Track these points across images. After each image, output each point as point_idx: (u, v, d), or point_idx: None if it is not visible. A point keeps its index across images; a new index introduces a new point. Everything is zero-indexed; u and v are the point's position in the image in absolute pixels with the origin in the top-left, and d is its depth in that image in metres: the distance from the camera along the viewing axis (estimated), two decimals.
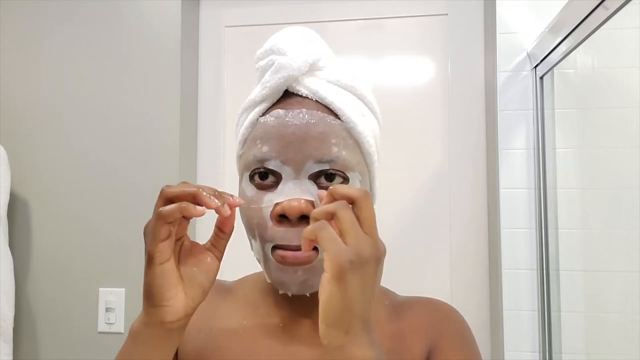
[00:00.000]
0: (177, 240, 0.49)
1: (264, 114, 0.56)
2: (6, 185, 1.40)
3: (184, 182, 0.47)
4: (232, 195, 0.49)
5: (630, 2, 0.84)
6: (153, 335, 0.47)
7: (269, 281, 0.56)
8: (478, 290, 1.43)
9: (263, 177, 0.54)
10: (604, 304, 1.29)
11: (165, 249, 0.46)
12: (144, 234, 0.47)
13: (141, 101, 1.48)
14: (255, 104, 0.57)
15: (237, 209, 0.55)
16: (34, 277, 1.49)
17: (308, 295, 0.55)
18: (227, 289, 0.65)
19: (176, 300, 0.46)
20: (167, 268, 0.46)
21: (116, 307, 1.43)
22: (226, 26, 1.60)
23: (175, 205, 0.45)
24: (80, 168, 1.50)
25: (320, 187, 0.53)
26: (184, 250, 0.49)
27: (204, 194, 0.46)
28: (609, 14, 0.91)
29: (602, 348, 1.27)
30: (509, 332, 1.27)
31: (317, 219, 0.44)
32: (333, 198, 0.45)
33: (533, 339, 1.26)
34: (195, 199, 0.45)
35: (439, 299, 0.64)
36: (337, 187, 0.46)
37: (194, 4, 1.58)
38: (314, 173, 0.53)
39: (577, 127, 1.35)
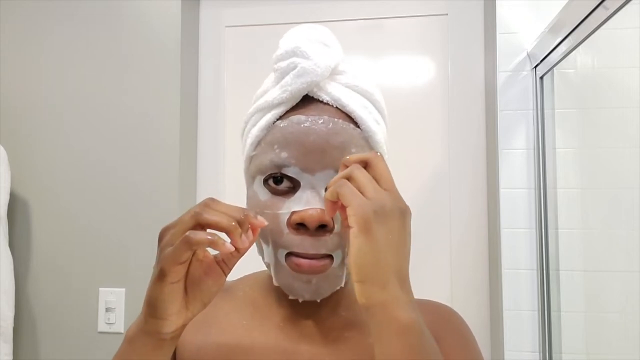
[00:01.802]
0: None
1: (281, 117, 0.55)
2: (6, 185, 1.40)
3: (212, 200, 0.45)
4: (255, 216, 0.46)
5: (630, 2, 0.84)
6: (148, 343, 0.46)
7: (276, 284, 0.56)
8: (478, 290, 1.43)
9: (278, 182, 0.53)
10: (604, 304, 1.29)
11: (180, 270, 0.44)
12: (160, 239, 0.45)
13: (141, 101, 1.48)
14: (273, 106, 0.55)
15: None
16: (34, 277, 1.49)
17: (318, 301, 0.55)
18: (226, 288, 0.64)
19: (177, 315, 0.46)
20: (177, 287, 0.45)
21: (116, 307, 1.43)
22: (226, 26, 1.60)
23: (207, 238, 0.42)
24: (80, 168, 1.50)
25: None
26: (195, 260, 0.47)
27: (239, 233, 0.44)
28: (609, 14, 0.91)
29: (602, 348, 1.27)
30: (509, 332, 1.27)
31: (329, 191, 0.46)
32: (347, 167, 0.47)
33: (533, 339, 1.26)
34: (229, 236, 0.44)
35: (438, 300, 0.64)
36: (350, 156, 0.47)
37: (194, 4, 1.58)
38: (331, 177, 0.52)
39: (577, 127, 1.35)
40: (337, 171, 0.51)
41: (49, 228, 1.50)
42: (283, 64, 0.55)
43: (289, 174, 0.52)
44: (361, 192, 0.43)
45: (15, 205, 1.49)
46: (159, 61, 1.48)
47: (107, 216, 1.47)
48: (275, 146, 0.53)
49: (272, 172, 0.53)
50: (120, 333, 1.43)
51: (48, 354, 1.47)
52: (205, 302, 0.48)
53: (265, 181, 0.54)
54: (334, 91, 0.54)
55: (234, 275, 0.69)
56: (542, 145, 1.29)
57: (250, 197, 0.56)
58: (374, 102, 0.58)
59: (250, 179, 0.57)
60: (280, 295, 0.59)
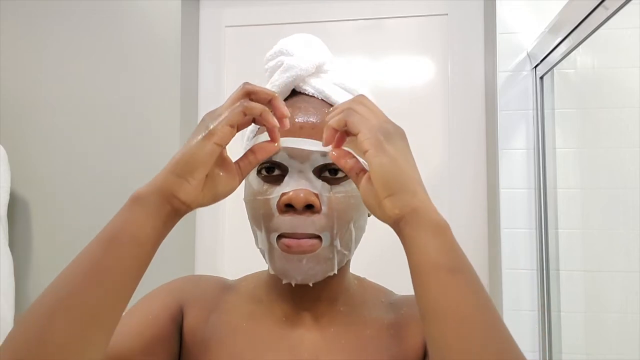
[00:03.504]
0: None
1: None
2: (6, 185, 1.41)
3: (248, 82, 0.50)
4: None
5: (630, 2, 0.84)
6: (156, 202, 0.47)
7: (272, 272, 0.57)
8: None
9: (270, 170, 0.55)
10: (604, 304, 1.29)
11: (227, 134, 0.47)
12: (203, 118, 0.48)
13: (141, 101, 1.48)
14: None
15: (244, 201, 0.58)
16: (34, 277, 1.49)
17: (311, 285, 0.56)
18: (229, 286, 0.66)
19: (196, 185, 0.47)
20: (216, 151, 0.47)
21: None
22: (226, 26, 1.60)
23: (261, 106, 0.48)
24: (80, 168, 1.50)
25: (324, 180, 0.54)
26: (219, 157, 0.50)
27: (281, 102, 0.50)
28: (609, 14, 0.91)
29: (602, 348, 1.27)
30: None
31: (335, 119, 0.49)
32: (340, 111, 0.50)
33: (533, 339, 1.26)
34: (271, 103, 0.49)
35: None
36: (339, 104, 0.51)
37: (194, 4, 1.58)
38: (318, 166, 0.54)
39: (577, 127, 1.35)
40: (322, 155, 0.53)
41: (49, 228, 1.50)
42: (272, 63, 0.61)
43: (277, 160, 0.54)
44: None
45: (15, 205, 1.49)
46: (159, 61, 1.48)
47: (107, 216, 1.46)
48: (266, 136, 0.56)
49: (263, 161, 0.55)
50: None
51: None
52: (216, 197, 0.50)
53: (259, 172, 0.56)
54: (317, 85, 0.58)
55: (234, 276, 0.70)
56: (542, 145, 1.29)
57: (246, 187, 0.58)
58: None
59: None
60: (281, 291, 0.61)
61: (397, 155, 0.46)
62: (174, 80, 1.47)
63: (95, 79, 1.51)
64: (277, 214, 0.53)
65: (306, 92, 0.58)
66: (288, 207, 0.52)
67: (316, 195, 0.53)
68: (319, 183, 0.54)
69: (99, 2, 1.52)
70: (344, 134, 0.50)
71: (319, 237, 0.53)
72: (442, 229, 0.45)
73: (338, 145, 0.51)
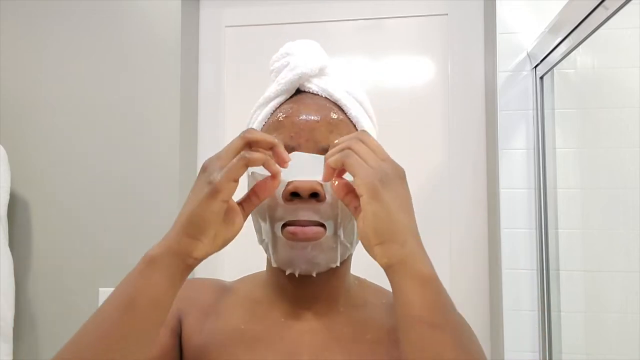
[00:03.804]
0: None
1: (276, 109, 0.61)
2: (6, 185, 1.41)
3: (252, 128, 0.50)
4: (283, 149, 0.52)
5: (630, 2, 0.84)
6: (173, 265, 0.47)
7: (275, 265, 0.57)
8: (478, 290, 1.43)
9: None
10: (604, 304, 1.29)
11: (232, 189, 0.48)
12: (204, 169, 0.49)
13: (141, 101, 1.48)
14: (270, 99, 0.61)
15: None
16: (34, 277, 1.49)
17: (314, 275, 0.57)
18: (228, 288, 0.66)
19: (209, 241, 0.48)
20: (224, 208, 0.48)
21: None
22: (226, 26, 1.60)
23: (263, 157, 0.48)
24: (80, 168, 1.50)
25: None
26: (222, 201, 0.50)
27: (282, 147, 0.50)
28: (609, 14, 0.91)
29: (602, 348, 1.27)
30: (509, 332, 1.27)
31: (333, 159, 0.49)
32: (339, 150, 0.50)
33: (533, 339, 1.26)
34: (273, 150, 0.50)
35: None
36: (340, 139, 0.52)
37: (194, 4, 1.58)
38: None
39: (577, 127, 1.35)
40: (326, 147, 0.55)
41: (49, 228, 1.50)
42: (278, 63, 0.64)
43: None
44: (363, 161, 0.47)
45: (15, 205, 1.49)
46: (159, 61, 1.48)
47: (107, 216, 1.47)
48: (271, 131, 0.58)
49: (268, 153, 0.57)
50: None
51: (48, 354, 1.47)
52: (226, 241, 0.51)
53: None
54: (321, 83, 0.61)
55: (234, 276, 0.70)
56: (542, 145, 1.29)
57: (250, 183, 0.59)
58: (360, 103, 0.63)
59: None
60: (280, 292, 0.61)
61: (391, 202, 0.46)
62: (174, 80, 1.47)
63: (95, 79, 1.51)
64: (282, 202, 0.54)
65: (310, 91, 0.61)
66: (293, 196, 0.53)
67: (321, 185, 0.54)
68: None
69: (99, 2, 1.52)
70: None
71: (323, 226, 0.54)
72: (427, 282, 0.46)
73: (339, 175, 0.52)
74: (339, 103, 0.60)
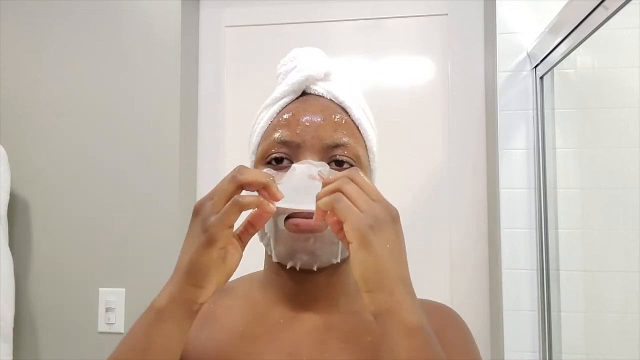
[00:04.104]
0: None
1: (283, 109, 0.63)
2: (6, 185, 1.41)
3: (242, 166, 0.49)
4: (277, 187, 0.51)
5: (630, 2, 0.84)
6: (180, 312, 0.48)
7: (275, 260, 0.58)
8: (478, 290, 1.43)
9: (279, 161, 0.59)
10: (604, 304, 1.29)
11: (229, 235, 0.48)
12: (196, 213, 0.49)
13: (141, 101, 1.48)
14: (277, 100, 0.63)
15: None
16: (34, 277, 1.49)
17: (315, 269, 0.57)
18: (225, 288, 0.65)
19: (212, 286, 0.49)
20: (222, 254, 0.48)
21: (116, 307, 1.43)
22: (226, 26, 1.60)
23: (256, 199, 0.48)
24: (80, 168, 1.50)
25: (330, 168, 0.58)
26: None
27: (275, 186, 0.49)
28: (609, 14, 0.91)
29: (602, 348, 1.27)
30: (509, 332, 1.27)
31: (323, 202, 0.49)
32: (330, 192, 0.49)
33: (533, 339, 1.26)
34: (266, 189, 0.48)
35: (438, 300, 0.65)
36: (330, 177, 0.51)
37: (194, 4, 1.58)
38: (325, 156, 0.58)
39: (577, 127, 1.35)
40: (330, 144, 0.58)
41: (49, 228, 1.50)
42: (285, 66, 0.66)
43: (287, 154, 0.59)
44: (354, 205, 0.46)
45: (15, 205, 1.49)
46: (159, 61, 1.48)
47: (107, 216, 1.47)
48: (278, 128, 0.60)
49: (274, 149, 0.59)
50: (121, 333, 1.43)
51: (48, 354, 1.47)
52: (228, 274, 0.51)
53: (268, 162, 0.60)
54: (326, 86, 0.64)
55: (234, 276, 0.70)
56: (542, 145, 1.29)
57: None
58: (363, 108, 0.65)
59: (255, 167, 0.62)
60: (278, 292, 0.61)
61: (380, 250, 0.45)
62: (174, 80, 1.47)
63: (95, 78, 1.51)
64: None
65: (316, 93, 0.63)
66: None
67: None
68: (326, 168, 0.57)
69: (99, 2, 1.52)
70: None
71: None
72: (415, 331, 0.45)
73: (333, 213, 0.50)
74: (342, 105, 0.62)
